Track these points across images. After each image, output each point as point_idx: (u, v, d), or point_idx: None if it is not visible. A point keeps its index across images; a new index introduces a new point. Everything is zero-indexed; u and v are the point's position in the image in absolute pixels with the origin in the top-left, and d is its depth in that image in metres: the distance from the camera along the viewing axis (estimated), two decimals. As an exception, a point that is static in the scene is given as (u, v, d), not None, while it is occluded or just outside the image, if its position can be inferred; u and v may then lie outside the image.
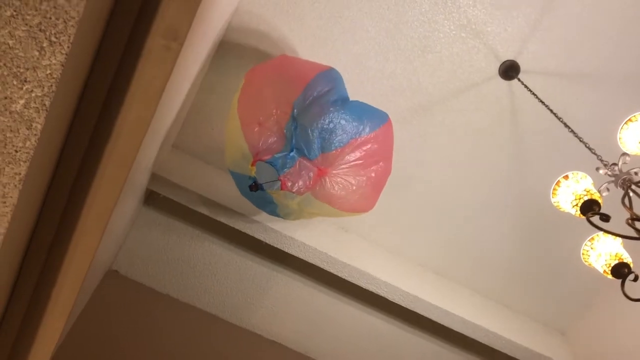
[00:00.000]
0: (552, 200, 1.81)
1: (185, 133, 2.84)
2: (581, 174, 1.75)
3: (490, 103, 2.71)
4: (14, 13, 0.83)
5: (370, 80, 2.69)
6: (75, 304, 2.03)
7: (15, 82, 0.87)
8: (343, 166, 2.17)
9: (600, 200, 1.65)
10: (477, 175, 2.88)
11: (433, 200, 2.96)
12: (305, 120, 2.09)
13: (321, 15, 2.55)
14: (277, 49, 2.62)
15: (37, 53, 0.85)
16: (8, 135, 0.92)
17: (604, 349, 3.00)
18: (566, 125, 2.09)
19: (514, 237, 3.00)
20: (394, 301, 2.87)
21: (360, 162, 2.20)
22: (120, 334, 2.75)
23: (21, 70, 0.86)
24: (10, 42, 0.84)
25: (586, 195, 1.66)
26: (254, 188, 2.12)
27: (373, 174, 2.24)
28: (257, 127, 2.13)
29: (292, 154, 2.12)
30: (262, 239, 2.77)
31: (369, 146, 2.19)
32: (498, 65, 2.61)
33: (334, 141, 2.11)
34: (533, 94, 2.37)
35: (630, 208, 1.59)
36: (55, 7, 0.83)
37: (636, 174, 1.73)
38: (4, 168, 0.95)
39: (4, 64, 0.85)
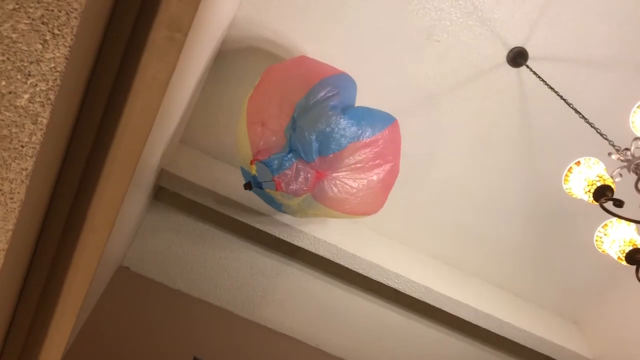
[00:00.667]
0: (564, 186, 1.79)
1: (193, 128, 2.84)
2: (593, 159, 1.72)
3: (499, 91, 2.68)
4: (17, 6, 0.82)
5: (377, 71, 2.67)
6: (86, 300, 2.04)
7: (19, 77, 0.87)
8: (342, 169, 2.19)
9: (613, 186, 1.63)
10: (487, 164, 2.86)
11: (443, 191, 2.94)
12: (304, 122, 2.11)
13: (327, 5, 2.53)
14: (283, 41, 2.60)
15: (40, 46, 0.84)
16: (14, 130, 0.91)
17: (618, 337, 2.98)
18: (577, 111, 2.06)
19: (525, 225, 2.98)
20: (404, 292, 2.86)
21: (360, 165, 2.21)
22: (132, 329, 2.76)
23: (25, 64, 0.86)
24: (14, 35, 0.83)
25: (599, 181, 1.64)
26: (246, 187, 2.17)
27: (375, 177, 2.25)
28: (260, 127, 2.16)
29: (289, 155, 2.13)
30: (271, 232, 2.76)
31: (369, 149, 2.21)
32: (506, 52, 2.58)
33: (332, 145, 2.13)
34: (542, 80, 2.34)
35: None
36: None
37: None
38: (11, 164, 0.95)
39: (8, 58, 0.85)
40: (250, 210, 2.72)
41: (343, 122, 2.13)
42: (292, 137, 2.12)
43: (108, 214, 1.20)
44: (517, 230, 3.00)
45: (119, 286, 2.87)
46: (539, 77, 2.37)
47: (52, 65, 0.86)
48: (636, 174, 1.68)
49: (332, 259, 2.81)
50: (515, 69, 2.60)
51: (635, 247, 1.65)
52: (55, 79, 0.87)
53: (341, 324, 3.16)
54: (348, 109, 2.20)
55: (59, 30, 0.84)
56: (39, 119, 0.91)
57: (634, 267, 2.80)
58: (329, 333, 3.16)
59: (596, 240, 1.80)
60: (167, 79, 1.05)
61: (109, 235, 1.23)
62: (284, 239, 2.79)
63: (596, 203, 1.64)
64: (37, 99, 0.89)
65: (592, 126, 1.95)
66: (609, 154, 1.77)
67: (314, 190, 2.23)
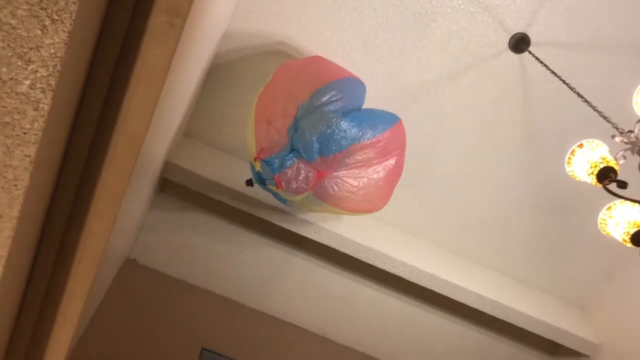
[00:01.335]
0: (567, 169, 1.79)
1: (197, 121, 2.84)
2: (596, 141, 1.72)
3: (502, 77, 2.67)
4: (15, -8, 0.83)
5: (379, 58, 2.67)
6: (93, 291, 2.05)
7: (19, 63, 0.87)
8: (342, 169, 2.25)
9: (616, 167, 1.63)
10: (490, 152, 2.86)
11: (446, 178, 2.95)
12: (305, 124, 2.16)
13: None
14: (285, 29, 2.60)
15: (39, 32, 0.85)
16: (15, 117, 0.92)
17: (624, 322, 2.98)
18: (580, 95, 2.06)
19: (530, 212, 2.98)
20: (409, 280, 2.87)
21: (361, 164, 2.27)
22: (140, 321, 2.78)
23: (25, 50, 0.86)
24: (13, 21, 0.84)
25: (602, 162, 1.64)
26: (248, 183, 2.26)
27: (375, 175, 2.32)
28: (265, 125, 2.22)
29: (290, 155, 2.19)
30: (277, 223, 2.77)
31: (369, 150, 2.26)
32: (508, 38, 2.57)
33: (332, 146, 2.19)
34: (545, 65, 2.33)
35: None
36: (55, -15, 0.83)
37: (652, 142, 1.69)
38: (14, 150, 0.96)
39: (8, 45, 0.85)
40: (255, 202, 2.72)
41: (344, 124, 2.18)
42: (294, 137, 2.17)
43: (112, 200, 1.20)
44: (521, 217, 3.00)
45: (126, 278, 2.89)
46: (541, 62, 2.36)
47: (52, 51, 0.87)
48: (639, 155, 1.68)
49: (337, 247, 2.81)
50: (517, 55, 2.59)
51: (639, 227, 1.65)
52: (56, 64, 0.88)
53: (347, 312, 3.17)
54: (351, 112, 2.25)
55: (57, 15, 0.85)
56: (41, 105, 0.91)
57: (639, 249, 2.81)
58: (335, 322, 3.18)
59: (600, 223, 1.80)
60: (167, 64, 1.05)
61: (114, 221, 1.24)
62: (290, 229, 2.79)
63: (599, 185, 1.64)
64: (38, 85, 0.90)
65: (595, 109, 1.94)
66: (613, 136, 1.76)
67: (315, 189, 2.29)
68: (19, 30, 0.85)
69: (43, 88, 0.90)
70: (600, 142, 1.72)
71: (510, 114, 2.74)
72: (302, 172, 2.21)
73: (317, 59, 2.44)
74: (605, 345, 2.99)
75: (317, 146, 2.18)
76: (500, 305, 2.92)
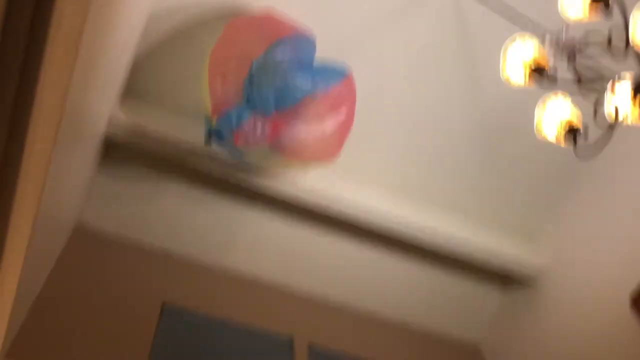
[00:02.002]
0: (502, 75, 1.87)
1: (137, 78, 2.79)
2: (526, 36, 1.79)
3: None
4: None
5: (316, 7, 2.69)
6: (36, 260, 2.00)
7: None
8: (297, 122, 2.35)
9: (546, 64, 1.72)
10: (428, 82, 2.92)
11: (385, 114, 2.98)
12: (260, 79, 2.25)
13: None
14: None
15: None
16: None
17: (570, 247, 3.13)
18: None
19: (473, 144, 3.08)
20: (364, 221, 2.94)
21: (315, 117, 2.38)
22: (96, 286, 2.73)
23: None
24: None
25: (534, 60, 1.72)
26: (207, 141, 2.33)
27: (328, 127, 2.45)
28: (220, 80, 2.30)
29: (246, 109, 2.28)
30: (229, 178, 2.78)
31: (323, 102, 2.39)
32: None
33: (287, 99, 2.30)
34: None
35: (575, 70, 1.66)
36: None
37: (578, 44, 1.79)
38: None
39: None
40: (207, 157, 2.71)
41: (298, 78, 2.31)
42: (249, 92, 2.26)
43: (41, 157, 1.17)
44: (467, 150, 3.09)
45: (77, 245, 2.83)
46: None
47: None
48: (567, 56, 1.77)
49: (292, 197, 2.86)
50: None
51: (571, 125, 1.75)
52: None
53: (307, 263, 3.21)
54: (303, 66, 2.36)
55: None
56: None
57: (574, 172, 2.96)
58: (296, 275, 3.20)
59: (536, 125, 1.89)
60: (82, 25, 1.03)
61: (44, 181, 1.20)
62: (243, 183, 2.80)
63: (532, 85, 1.72)
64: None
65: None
66: (542, 40, 1.84)
67: (271, 142, 2.38)
68: None
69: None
70: (530, 35, 1.80)
71: (442, 40, 2.80)
72: (259, 126, 2.30)
73: (269, 15, 2.48)
74: (552, 270, 3.14)
75: (273, 100, 2.28)
76: (451, 238, 3.03)
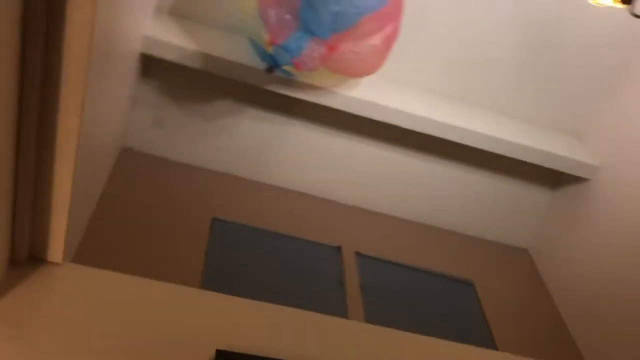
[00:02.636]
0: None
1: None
2: None
3: None
4: None
5: None
6: (87, 180, 2.04)
7: None
8: (351, 40, 2.35)
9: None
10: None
11: (433, 23, 2.87)
12: (317, 3, 2.22)
13: None
14: None
15: None
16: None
17: (622, 144, 3.00)
18: None
19: (517, 41, 2.92)
20: (406, 128, 2.86)
21: (367, 33, 2.36)
22: (146, 207, 2.79)
23: None
24: None
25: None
26: (269, 70, 2.35)
27: (378, 41, 2.41)
28: (274, 9, 2.28)
29: (304, 35, 2.27)
30: (271, 88, 2.72)
31: (376, 19, 2.34)
32: None
33: (345, 21, 2.27)
34: None
35: None
36: None
37: None
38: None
39: None
40: (246, 69, 2.65)
41: None
42: (306, 18, 2.24)
43: (78, 69, 1.16)
44: (509, 47, 2.94)
45: (125, 167, 2.89)
46: None
47: None
48: None
49: (331, 105, 2.78)
50: None
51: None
52: None
53: (348, 173, 3.20)
54: None
55: None
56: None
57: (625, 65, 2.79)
58: (337, 183, 3.21)
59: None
60: None
61: (84, 94, 1.19)
62: (282, 92, 2.74)
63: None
64: None
65: None
66: None
67: (327, 63, 2.42)
68: None
69: None
70: None
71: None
72: (317, 49, 2.30)
73: None
74: (605, 167, 3.03)
75: (330, 23, 2.25)
76: (497, 140, 2.93)
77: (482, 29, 2.91)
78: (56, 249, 1.36)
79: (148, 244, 2.56)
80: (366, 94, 2.80)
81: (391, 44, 2.51)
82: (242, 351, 1.29)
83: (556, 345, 2.91)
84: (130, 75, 2.71)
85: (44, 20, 1.06)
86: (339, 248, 2.91)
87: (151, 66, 2.79)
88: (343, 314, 2.54)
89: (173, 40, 2.61)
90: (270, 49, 2.33)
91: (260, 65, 2.54)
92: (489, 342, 2.71)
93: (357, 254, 2.93)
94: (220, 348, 1.27)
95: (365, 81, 2.84)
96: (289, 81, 2.65)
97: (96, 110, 1.99)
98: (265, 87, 2.70)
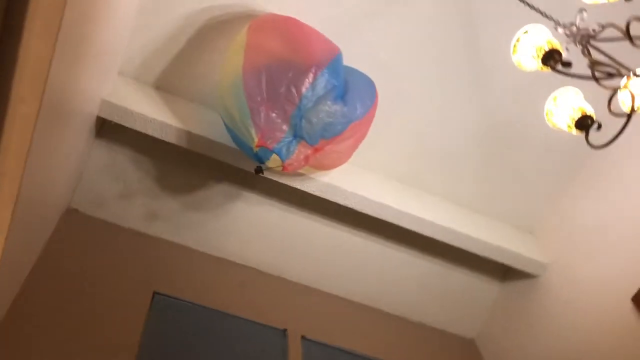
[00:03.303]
0: (513, 58, 1.79)
1: (132, 58, 2.70)
2: (541, 26, 1.73)
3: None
4: None
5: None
6: (23, 241, 1.93)
7: None
8: (336, 144, 2.46)
9: (561, 49, 1.64)
10: (433, 72, 2.84)
11: (392, 108, 2.90)
12: (311, 114, 2.31)
13: None
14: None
15: None
16: None
17: (571, 242, 3.07)
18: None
19: (476, 136, 3.00)
20: (361, 212, 2.85)
21: (350, 137, 2.50)
22: (86, 271, 2.66)
23: None
24: None
25: (547, 45, 1.65)
26: (257, 172, 2.32)
27: (356, 141, 2.59)
28: (263, 106, 2.29)
29: (294, 140, 2.32)
30: (225, 160, 2.68)
31: (359, 124, 2.49)
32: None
33: (335, 130, 2.39)
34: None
35: (590, 55, 1.58)
36: None
37: (594, 30, 1.72)
38: None
39: None
40: (201, 140, 2.62)
41: (344, 109, 2.39)
42: (298, 125, 2.31)
43: (22, 134, 1.10)
44: (469, 142, 3.01)
45: (67, 230, 2.76)
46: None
47: None
48: (582, 44, 1.70)
49: (288, 183, 2.76)
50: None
51: (584, 113, 1.68)
52: None
53: (302, 251, 3.14)
54: (343, 92, 2.43)
55: None
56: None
57: (578, 162, 2.90)
58: (291, 261, 3.15)
59: (546, 114, 1.82)
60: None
61: (25, 160, 1.14)
62: (242, 167, 2.71)
63: (546, 69, 1.65)
64: None
65: (533, 8, 1.95)
66: (555, 27, 1.77)
67: (310, 163, 2.48)
68: None
69: None
70: (544, 26, 1.73)
71: (450, 32, 2.72)
72: (303, 152, 2.36)
73: (295, 22, 2.48)
74: (554, 265, 3.09)
75: (321, 132, 2.35)
76: (451, 232, 2.95)
77: (446, 125, 2.98)
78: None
79: (80, 317, 2.40)
80: (325, 176, 2.78)
81: (361, 140, 2.63)
82: None
83: None
84: (84, 136, 2.62)
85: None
86: (284, 331, 2.81)
87: (107, 128, 2.71)
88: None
89: (131, 107, 2.55)
90: (257, 149, 2.31)
91: (225, 140, 2.53)
92: None
93: (303, 338, 2.83)
94: None
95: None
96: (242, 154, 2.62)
97: (40, 173, 1.90)
98: (231, 163, 2.66)
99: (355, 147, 2.62)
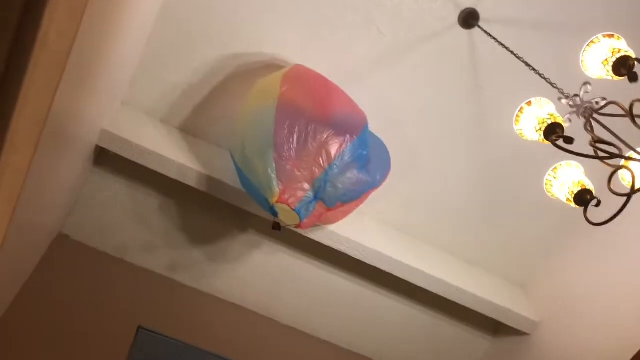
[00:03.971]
0: (515, 128, 1.79)
1: (136, 89, 2.71)
2: (544, 99, 1.73)
3: (451, 53, 2.67)
4: None
5: (328, 30, 2.62)
6: (12, 264, 1.91)
7: None
8: (348, 205, 2.48)
9: (563, 124, 1.64)
10: (438, 129, 2.85)
11: (392, 158, 2.91)
12: (337, 179, 2.31)
13: None
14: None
15: None
16: None
17: (563, 299, 3.04)
18: (527, 64, 2.08)
19: (473, 189, 3.00)
20: (355, 257, 2.82)
21: (362, 200, 2.54)
22: (73, 299, 2.62)
23: None
24: None
25: (550, 119, 1.65)
26: (275, 228, 2.28)
27: (362, 201, 2.59)
28: (291, 162, 2.24)
29: (314, 201, 2.28)
30: (220, 197, 2.67)
31: (374, 189, 2.55)
32: (457, 13, 2.58)
33: (354, 196, 2.42)
34: (494, 38, 2.35)
35: (592, 131, 1.58)
36: None
37: (597, 103, 1.72)
38: None
39: None
40: (199, 175, 2.61)
41: (368, 178, 2.42)
42: (321, 188, 2.28)
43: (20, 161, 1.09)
44: (466, 195, 3.01)
45: (57, 255, 2.73)
46: (490, 36, 2.37)
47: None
48: (585, 117, 1.70)
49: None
50: (466, 31, 2.60)
51: (584, 187, 1.67)
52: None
53: (292, 292, 3.10)
54: (370, 161, 2.45)
55: None
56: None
57: (576, 224, 2.87)
58: (279, 302, 3.10)
59: (546, 184, 1.81)
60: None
61: (21, 186, 1.13)
62: (235, 204, 2.70)
63: (547, 142, 1.65)
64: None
65: (541, 76, 1.96)
66: (559, 98, 1.78)
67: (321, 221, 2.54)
68: None
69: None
70: (547, 100, 1.74)
71: (459, 90, 2.75)
72: (318, 211, 2.33)
73: (327, 82, 2.51)
74: (545, 323, 3.05)
75: (342, 197, 2.36)
76: (444, 284, 2.92)
77: (445, 177, 2.98)
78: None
79: (60, 348, 2.36)
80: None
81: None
82: None
83: None
84: (81, 164, 2.61)
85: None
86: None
87: (106, 157, 2.70)
88: None
89: (127, 137, 2.54)
90: (276, 205, 2.23)
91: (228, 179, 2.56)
92: None
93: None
94: None
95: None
96: (240, 191, 2.61)
97: (33, 200, 1.89)
98: (212, 194, 2.64)
99: (360, 205, 2.62)
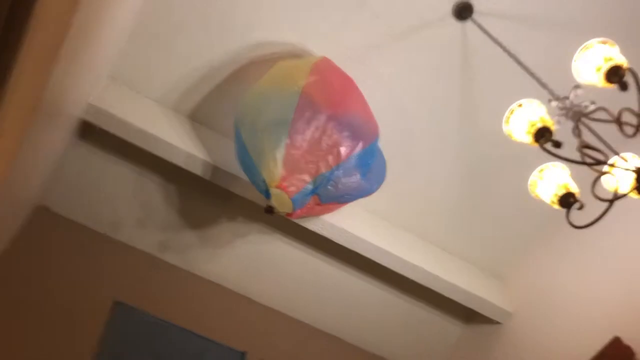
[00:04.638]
0: (505, 128, 1.80)
1: (124, 64, 2.65)
2: (535, 101, 1.75)
3: (443, 44, 2.66)
4: None
5: (323, 13, 2.59)
6: None
7: None
8: (340, 204, 2.55)
9: (552, 127, 1.67)
10: (423, 117, 2.86)
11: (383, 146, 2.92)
12: (339, 181, 2.32)
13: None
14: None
15: None
16: None
17: (537, 293, 3.11)
18: (519, 63, 2.08)
19: (459, 181, 3.02)
20: (337, 242, 2.84)
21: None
22: (49, 271, 2.64)
23: None
24: None
25: (540, 122, 1.67)
26: (268, 211, 2.26)
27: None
28: (301, 151, 2.24)
29: (310, 194, 2.28)
30: (205, 176, 2.65)
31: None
32: (451, 5, 2.56)
33: (350, 199, 2.49)
34: (487, 33, 2.34)
35: (580, 137, 1.61)
36: None
37: (586, 107, 1.74)
38: None
39: None
40: (180, 151, 2.59)
41: (367, 186, 2.45)
42: (322, 185, 2.28)
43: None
44: (448, 184, 3.03)
45: (36, 227, 2.71)
46: (483, 30, 2.36)
47: None
48: (573, 120, 1.72)
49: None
50: (460, 23, 2.59)
51: (568, 191, 1.70)
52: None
53: (273, 273, 3.13)
54: (370, 170, 2.47)
55: None
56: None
57: (557, 222, 2.92)
58: (259, 282, 3.13)
59: (530, 185, 1.84)
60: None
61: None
62: (218, 183, 2.69)
63: (536, 144, 1.67)
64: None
65: (533, 76, 1.97)
66: (549, 100, 1.79)
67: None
68: None
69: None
70: (539, 102, 1.75)
71: (449, 81, 2.74)
72: (309, 203, 2.34)
73: (353, 85, 2.51)
74: (518, 313, 3.12)
75: (339, 197, 2.40)
76: (421, 270, 2.97)
77: (428, 166, 3.00)
78: None
79: (36, 321, 2.36)
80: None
81: None
82: None
83: None
84: (65, 137, 2.57)
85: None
86: (243, 354, 2.79)
87: (90, 131, 2.65)
88: None
89: (113, 111, 2.50)
90: (273, 189, 2.22)
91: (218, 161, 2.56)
92: None
93: (262, 362, 2.82)
94: None
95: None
96: (234, 178, 2.60)
97: (19, 168, 1.87)
98: (195, 172, 2.63)
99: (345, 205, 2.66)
